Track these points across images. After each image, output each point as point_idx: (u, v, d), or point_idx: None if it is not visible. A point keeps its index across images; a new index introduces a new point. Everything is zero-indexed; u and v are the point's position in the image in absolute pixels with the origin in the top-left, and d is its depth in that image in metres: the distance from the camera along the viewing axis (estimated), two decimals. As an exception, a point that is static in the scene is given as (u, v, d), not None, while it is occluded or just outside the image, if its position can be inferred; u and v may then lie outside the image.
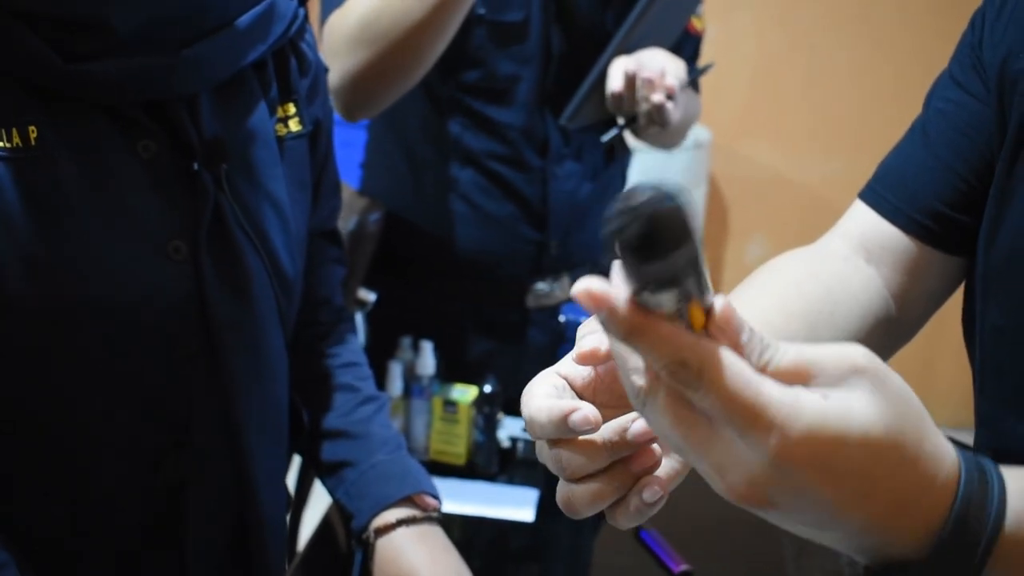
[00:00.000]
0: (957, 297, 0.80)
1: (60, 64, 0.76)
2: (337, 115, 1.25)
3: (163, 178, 0.83)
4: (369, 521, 1.00)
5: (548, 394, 0.51)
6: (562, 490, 0.51)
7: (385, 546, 0.99)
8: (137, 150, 0.82)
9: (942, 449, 0.45)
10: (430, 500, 1.02)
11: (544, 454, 0.52)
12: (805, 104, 3.26)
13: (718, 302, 0.43)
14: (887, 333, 0.80)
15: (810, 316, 0.74)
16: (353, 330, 1.15)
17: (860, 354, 0.44)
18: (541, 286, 1.58)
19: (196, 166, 0.83)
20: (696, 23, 1.63)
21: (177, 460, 0.87)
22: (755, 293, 0.77)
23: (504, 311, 1.59)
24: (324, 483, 1.07)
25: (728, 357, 0.42)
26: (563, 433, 0.49)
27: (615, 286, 0.41)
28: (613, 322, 0.41)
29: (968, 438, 0.80)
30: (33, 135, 0.77)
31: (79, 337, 0.80)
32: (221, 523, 0.91)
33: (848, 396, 0.43)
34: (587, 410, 0.49)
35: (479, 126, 1.49)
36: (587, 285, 0.41)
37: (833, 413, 0.42)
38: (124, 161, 0.81)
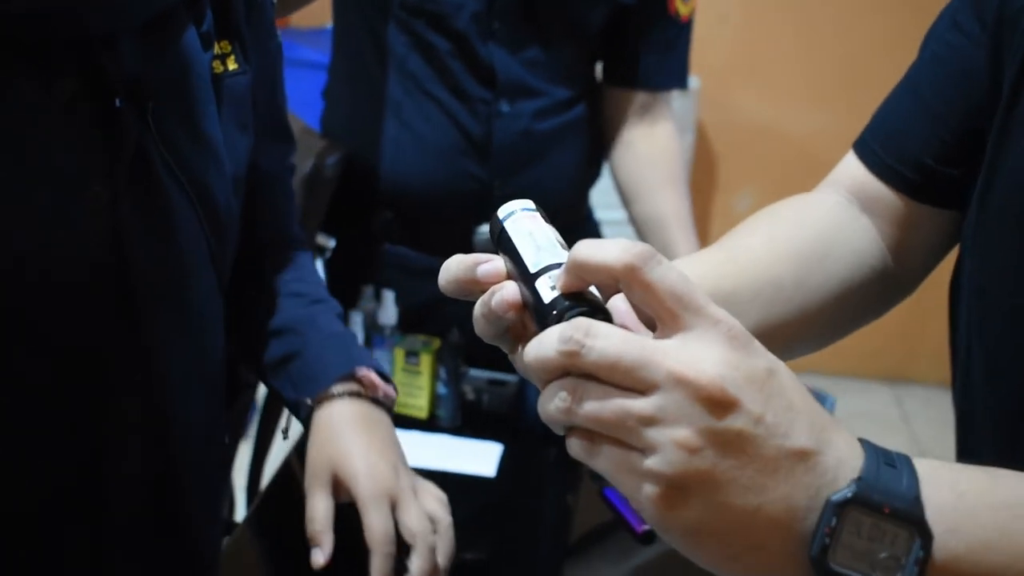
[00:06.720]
0: (950, 254, 0.78)
1: None
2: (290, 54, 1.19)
3: (83, 120, 0.76)
4: (314, 400, 0.93)
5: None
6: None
7: (322, 419, 0.89)
8: (54, 92, 0.74)
9: None
10: (380, 383, 0.94)
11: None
12: (796, 52, 3.18)
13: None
14: (883, 285, 0.79)
15: (800, 259, 0.73)
16: (310, 256, 1.09)
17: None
18: (485, 229, 1.50)
19: (118, 103, 0.76)
20: (680, 6, 1.50)
21: (96, 420, 0.80)
22: (745, 233, 0.77)
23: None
24: (272, 386, 0.98)
25: (603, 324, 0.45)
26: (471, 277, 0.54)
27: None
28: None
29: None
30: None
31: None
32: (143, 489, 0.84)
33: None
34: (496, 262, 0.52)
35: (422, 49, 1.44)
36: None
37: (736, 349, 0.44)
38: (41, 104, 0.74)
